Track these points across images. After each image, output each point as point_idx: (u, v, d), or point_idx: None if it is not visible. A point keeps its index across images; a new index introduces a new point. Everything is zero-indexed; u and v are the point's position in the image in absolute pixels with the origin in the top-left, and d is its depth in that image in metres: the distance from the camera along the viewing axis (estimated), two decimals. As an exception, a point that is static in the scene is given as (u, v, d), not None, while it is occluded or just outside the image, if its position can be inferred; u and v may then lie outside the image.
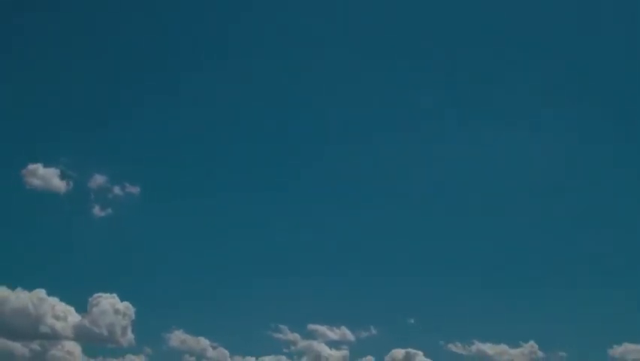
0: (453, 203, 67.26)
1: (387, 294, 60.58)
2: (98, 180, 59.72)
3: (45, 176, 57.28)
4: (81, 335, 52.04)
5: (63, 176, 57.96)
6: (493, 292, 61.30)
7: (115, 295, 53.09)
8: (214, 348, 55.10)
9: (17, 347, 50.86)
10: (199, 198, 63.37)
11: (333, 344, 56.51)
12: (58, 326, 51.21)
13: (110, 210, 59.59)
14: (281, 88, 70.90)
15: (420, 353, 54.37)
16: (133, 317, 52.92)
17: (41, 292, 51.17)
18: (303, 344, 56.27)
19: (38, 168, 57.31)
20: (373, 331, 57.64)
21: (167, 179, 64.38)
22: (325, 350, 55.59)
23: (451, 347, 56.88)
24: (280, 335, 56.66)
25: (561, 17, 71.64)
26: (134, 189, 60.59)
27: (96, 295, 53.01)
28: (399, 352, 54.98)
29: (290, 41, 73.57)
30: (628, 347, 54.58)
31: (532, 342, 55.82)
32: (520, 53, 71.92)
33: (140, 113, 67.79)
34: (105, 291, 53.23)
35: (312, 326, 57.11)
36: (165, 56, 71.02)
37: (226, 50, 71.61)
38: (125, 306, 52.72)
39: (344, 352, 56.12)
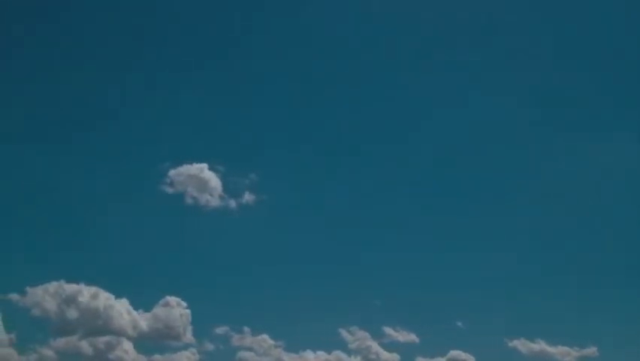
0: (518, 203, 66.54)
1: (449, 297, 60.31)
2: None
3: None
4: (144, 335, 54.52)
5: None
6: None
7: (179, 298, 55.25)
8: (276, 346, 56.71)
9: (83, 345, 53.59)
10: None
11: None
12: (123, 325, 53.92)
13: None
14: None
15: (472, 357, 54.80)
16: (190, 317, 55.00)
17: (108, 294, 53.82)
18: (357, 343, 57.16)
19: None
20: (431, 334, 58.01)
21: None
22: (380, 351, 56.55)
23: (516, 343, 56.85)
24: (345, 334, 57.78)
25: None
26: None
27: (164, 297, 55.31)
28: (455, 354, 55.37)
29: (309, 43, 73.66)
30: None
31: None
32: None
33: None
34: (171, 293, 55.47)
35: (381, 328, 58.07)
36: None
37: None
38: (185, 306, 55.00)
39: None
